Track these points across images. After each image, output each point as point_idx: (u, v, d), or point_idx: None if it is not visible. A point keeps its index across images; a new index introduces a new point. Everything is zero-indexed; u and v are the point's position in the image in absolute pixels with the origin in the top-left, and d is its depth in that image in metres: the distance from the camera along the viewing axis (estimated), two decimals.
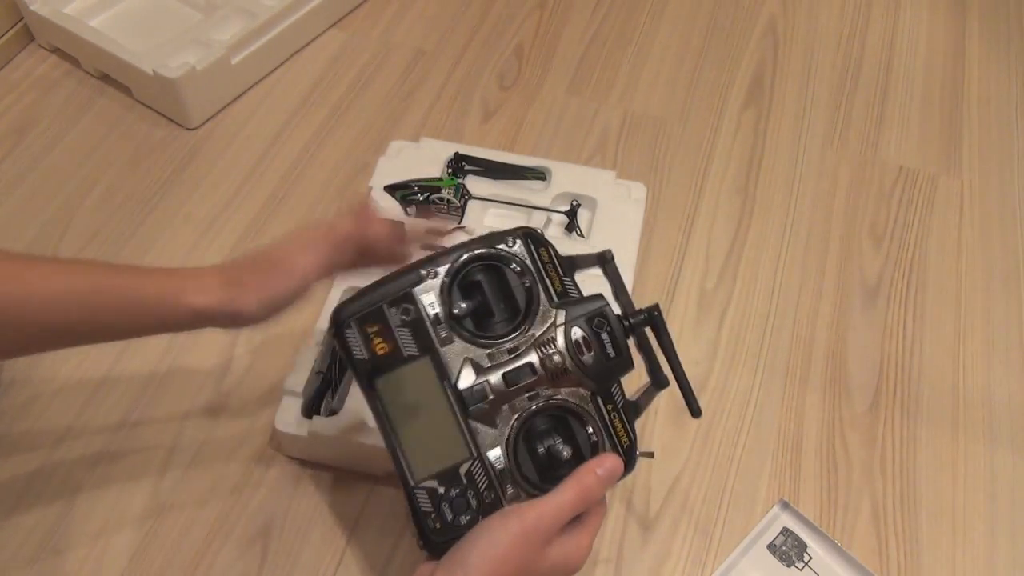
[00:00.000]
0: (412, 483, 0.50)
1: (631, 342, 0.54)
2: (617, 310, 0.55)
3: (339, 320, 0.52)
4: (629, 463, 0.52)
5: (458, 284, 0.52)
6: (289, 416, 0.66)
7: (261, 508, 0.67)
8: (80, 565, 0.64)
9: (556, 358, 0.51)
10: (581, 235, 0.80)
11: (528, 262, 0.53)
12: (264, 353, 0.76)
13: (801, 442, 0.73)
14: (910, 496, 0.70)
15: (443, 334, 0.51)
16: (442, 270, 0.52)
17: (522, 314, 0.52)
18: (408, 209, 0.80)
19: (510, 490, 0.50)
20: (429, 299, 0.51)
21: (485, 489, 0.50)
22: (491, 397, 0.50)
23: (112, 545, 0.65)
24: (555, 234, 0.80)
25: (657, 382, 0.55)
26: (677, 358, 0.55)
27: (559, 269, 0.54)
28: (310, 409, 0.67)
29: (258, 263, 0.55)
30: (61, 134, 0.92)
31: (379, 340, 0.51)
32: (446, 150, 0.84)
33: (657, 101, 0.99)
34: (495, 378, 0.51)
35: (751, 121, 0.98)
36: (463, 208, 0.80)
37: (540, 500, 0.48)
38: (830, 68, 1.04)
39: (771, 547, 0.67)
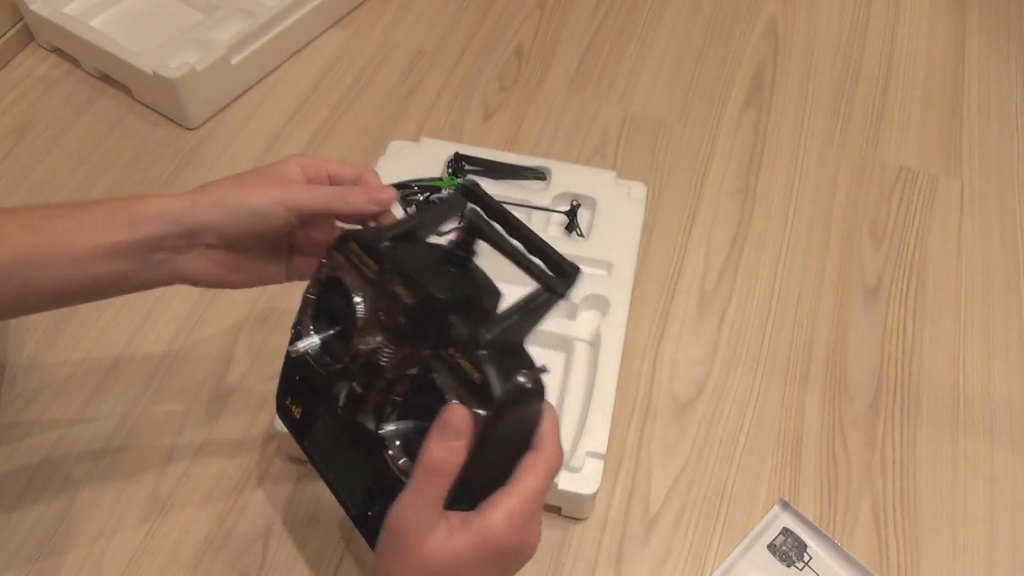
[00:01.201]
0: (353, 515, 0.52)
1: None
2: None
3: (277, 408, 0.57)
4: (488, 400, 0.43)
5: (320, 320, 0.54)
6: None
7: (261, 508, 0.67)
8: (81, 564, 0.64)
9: (378, 341, 0.49)
10: (581, 235, 0.80)
11: (344, 268, 0.51)
12: (264, 353, 0.76)
13: (801, 442, 0.73)
14: (910, 496, 0.70)
15: (318, 374, 0.53)
16: (303, 320, 0.55)
17: (354, 319, 0.51)
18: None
19: (399, 486, 0.47)
20: (299, 347, 0.54)
21: (391, 496, 0.47)
22: (359, 409, 0.50)
23: (112, 545, 0.65)
24: (555, 234, 0.80)
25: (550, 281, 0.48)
26: (507, 243, 0.49)
27: (372, 252, 0.50)
28: None
29: (246, 172, 0.54)
30: (61, 134, 0.92)
31: (295, 407, 0.56)
32: (446, 150, 0.84)
33: (657, 101, 0.99)
34: (355, 389, 0.50)
35: (751, 121, 0.98)
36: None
37: (399, 496, 0.43)
38: (830, 68, 1.04)
39: (771, 547, 0.67)
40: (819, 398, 0.76)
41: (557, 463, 0.46)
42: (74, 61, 0.99)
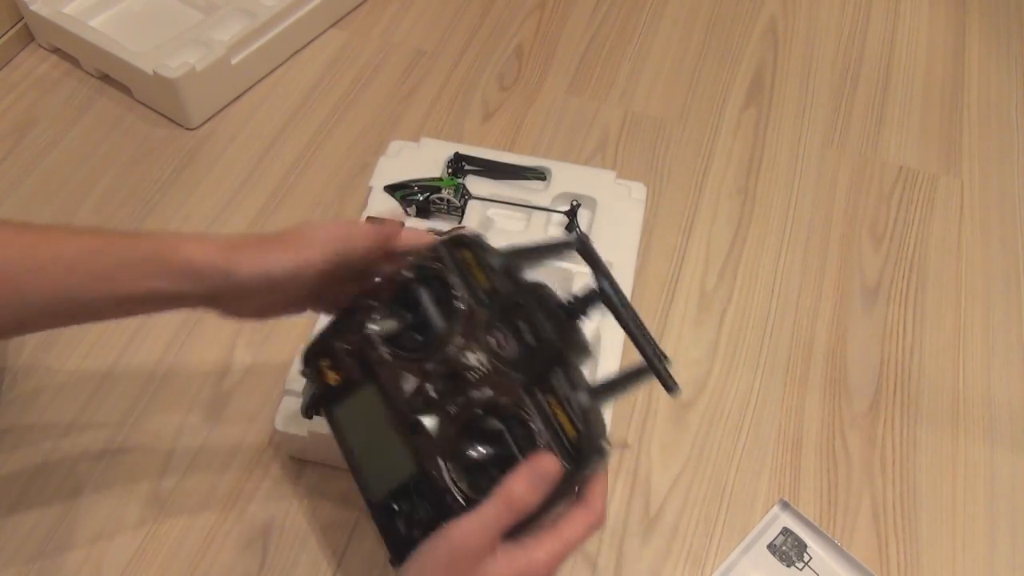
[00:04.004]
0: (371, 502, 0.52)
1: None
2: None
3: (304, 361, 0.56)
4: (579, 458, 0.47)
5: (399, 305, 0.53)
6: (289, 416, 0.66)
7: (261, 508, 0.67)
8: (81, 564, 0.64)
9: (475, 359, 0.50)
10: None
11: (450, 270, 0.52)
12: (264, 353, 0.76)
13: (801, 442, 0.73)
14: (910, 496, 0.70)
15: (381, 357, 0.52)
16: (378, 295, 0.54)
17: (450, 323, 0.51)
18: (408, 209, 0.80)
19: (452, 501, 0.49)
20: (369, 326, 0.52)
21: (433, 503, 0.50)
22: (427, 410, 0.50)
23: (112, 545, 0.65)
24: (555, 234, 0.80)
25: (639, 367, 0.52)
26: (640, 333, 0.52)
27: (485, 267, 0.52)
28: (310, 409, 0.67)
29: (263, 236, 0.55)
30: (61, 134, 0.92)
31: (331, 372, 0.54)
32: (446, 150, 0.84)
33: (657, 101, 0.99)
34: (429, 391, 0.50)
35: (751, 121, 0.98)
36: (463, 208, 0.80)
37: (465, 517, 0.46)
38: (830, 68, 1.04)
39: (771, 547, 0.67)
40: (819, 398, 0.76)
41: (600, 523, 0.49)
42: (74, 61, 0.99)
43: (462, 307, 0.51)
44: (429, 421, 0.50)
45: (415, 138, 0.86)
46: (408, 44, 1.04)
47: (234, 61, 0.93)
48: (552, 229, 0.81)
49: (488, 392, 0.49)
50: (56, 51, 1.00)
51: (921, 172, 0.94)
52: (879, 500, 0.70)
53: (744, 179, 0.92)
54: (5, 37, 0.98)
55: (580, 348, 0.51)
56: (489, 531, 0.45)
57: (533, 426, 0.48)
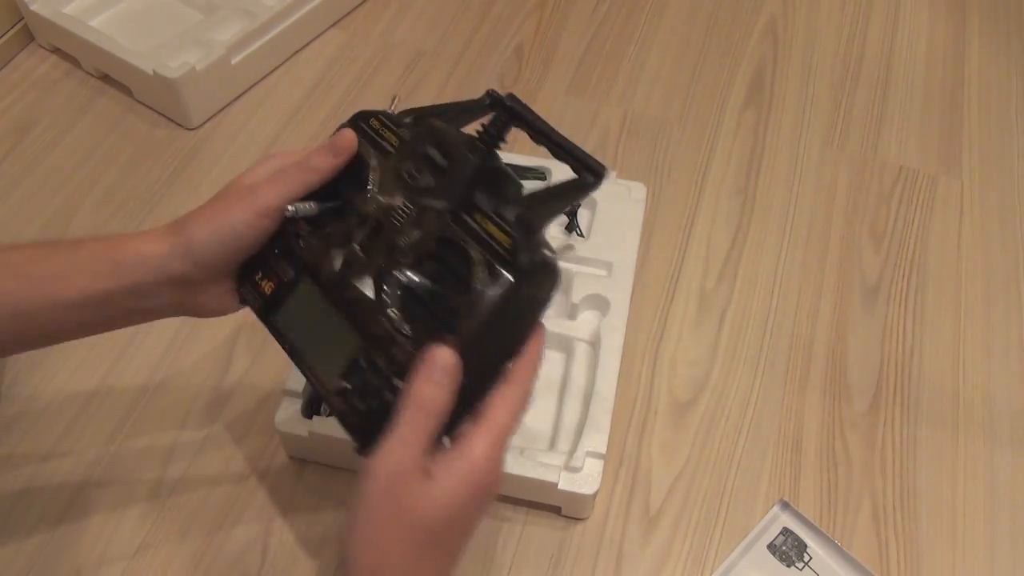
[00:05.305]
0: (327, 393, 0.49)
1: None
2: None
3: (238, 282, 0.54)
4: (517, 264, 0.44)
5: (317, 197, 0.51)
6: (289, 416, 0.66)
7: (261, 508, 0.67)
8: (80, 563, 0.64)
9: (392, 201, 0.48)
10: (581, 235, 0.80)
11: (362, 140, 0.52)
12: (264, 353, 0.76)
13: (801, 442, 0.73)
14: (910, 496, 0.70)
15: (308, 242, 0.51)
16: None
17: (363, 184, 0.50)
18: None
19: (403, 342, 0.46)
20: (288, 208, 0.50)
21: (384, 357, 0.46)
22: (361, 273, 0.48)
23: (112, 544, 0.65)
24: (555, 234, 0.80)
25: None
26: (548, 131, 0.50)
27: (394, 127, 0.52)
28: (310, 409, 0.67)
29: (215, 195, 0.51)
30: (61, 134, 0.92)
31: (265, 281, 0.53)
32: None
33: (657, 101, 0.99)
34: (358, 253, 0.49)
35: (751, 121, 0.98)
36: None
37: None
38: (830, 68, 1.04)
39: (771, 547, 0.67)
40: (819, 398, 0.76)
41: (528, 398, 0.46)
42: (74, 61, 0.99)
43: (373, 163, 0.50)
44: (366, 284, 0.48)
45: None
46: (408, 44, 1.04)
47: (234, 61, 0.93)
48: (552, 228, 0.81)
49: (415, 232, 0.47)
50: (56, 51, 1.00)
51: (921, 172, 0.94)
52: (879, 500, 0.70)
53: (744, 179, 0.92)
54: (5, 37, 0.98)
55: (500, 172, 0.48)
56: (409, 444, 0.42)
57: (465, 245, 0.45)
